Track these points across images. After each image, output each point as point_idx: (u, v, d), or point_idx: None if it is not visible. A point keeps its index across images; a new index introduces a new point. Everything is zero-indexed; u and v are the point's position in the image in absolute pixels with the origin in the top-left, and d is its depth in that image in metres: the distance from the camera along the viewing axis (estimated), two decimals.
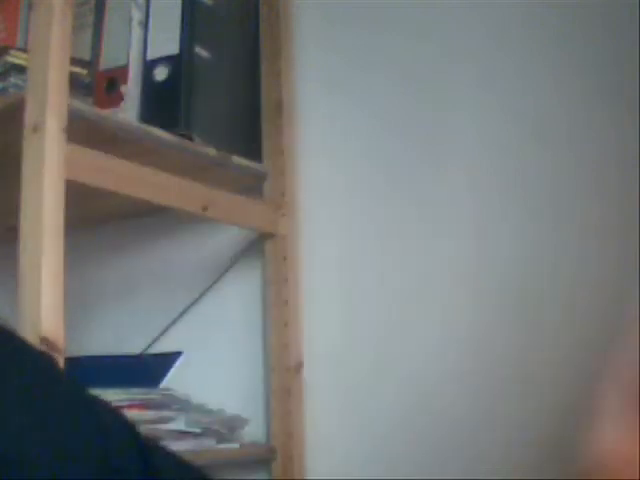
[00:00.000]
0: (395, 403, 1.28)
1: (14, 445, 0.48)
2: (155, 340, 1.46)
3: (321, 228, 1.38)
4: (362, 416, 1.31)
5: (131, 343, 1.46)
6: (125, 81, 1.27)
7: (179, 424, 1.19)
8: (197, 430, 1.21)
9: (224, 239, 1.45)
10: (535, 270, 1.20)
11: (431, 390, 1.25)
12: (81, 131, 1.03)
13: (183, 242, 1.49)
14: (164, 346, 1.44)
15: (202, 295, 1.45)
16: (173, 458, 0.56)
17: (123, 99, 1.26)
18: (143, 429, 1.13)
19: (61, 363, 0.93)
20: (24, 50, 1.09)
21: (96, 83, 1.26)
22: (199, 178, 1.24)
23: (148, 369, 1.35)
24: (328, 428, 1.33)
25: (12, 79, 1.08)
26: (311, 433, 1.33)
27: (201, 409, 1.28)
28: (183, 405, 1.25)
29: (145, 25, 1.29)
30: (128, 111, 1.25)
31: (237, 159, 1.32)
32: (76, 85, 1.13)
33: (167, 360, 1.33)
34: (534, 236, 1.20)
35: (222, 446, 1.25)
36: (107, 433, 0.55)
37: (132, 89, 1.26)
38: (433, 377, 1.25)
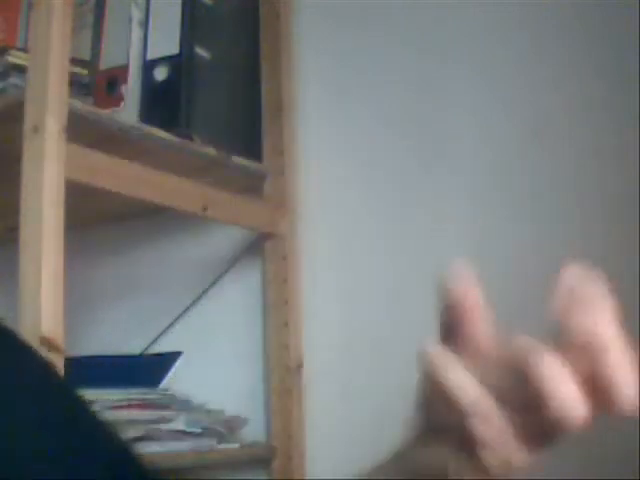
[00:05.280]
0: (395, 403, 1.28)
1: (13, 452, 0.48)
2: (155, 340, 1.46)
3: (321, 228, 1.38)
4: (362, 416, 1.31)
5: (131, 343, 1.46)
6: (125, 81, 1.27)
7: (179, 424, 1.19)
8: (197, 430, 1.21)
9: (224, 239, 1.45)
10: (535, 270, 1.20)
11: None
12: (81, 131, 1.03)
13: (183, 242, 1.49)
14: (164, 346, 1.44)
15: (202, 295, 1.45)
16: None
17: (123, 99, 1.26)
18: (143, 429, 1.13)
19: (61, 363, 0.93)
20: (24, 50, 1.09)
21: (96, 83, 1.26)
22: (199, 178, 1.24)
23: (148, 369, 1.35)
24: (328, 428, 1.33)
25: (12, 79, 1.08)
26: (311, 433, 1.33)
27: (201, 409, 1.28)
28: (183, 405, 1.25)
29: (145, 25, 1.29)
30: (128, 111, 1.25)
31: (237, 159, 1.32)
32: (76, 85, 1.13)
33: (167, 360, 1.33)
34: (534, 236, 1.20)
35: (222, 446, 1.25)
36: (113, 445, 0.55)
37: (132, 89, 1.26)
38: None
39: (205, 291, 1.45)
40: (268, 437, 1.35)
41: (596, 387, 0.37)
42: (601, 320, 0.39)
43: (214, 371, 1.41)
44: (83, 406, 0.57)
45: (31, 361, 0.56)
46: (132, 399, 1.17)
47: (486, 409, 0.38)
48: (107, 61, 1.30)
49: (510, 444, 0.38)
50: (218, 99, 1.33)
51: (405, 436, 0.42)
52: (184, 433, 1.19)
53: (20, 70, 1.08)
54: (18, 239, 0.97)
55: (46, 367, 0.58)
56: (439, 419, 0.40)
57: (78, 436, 0.53)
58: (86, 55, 1.29)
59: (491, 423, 0.38)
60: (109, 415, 1.08)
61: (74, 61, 1.09)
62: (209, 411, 1.28)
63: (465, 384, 0.39)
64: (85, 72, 1.20)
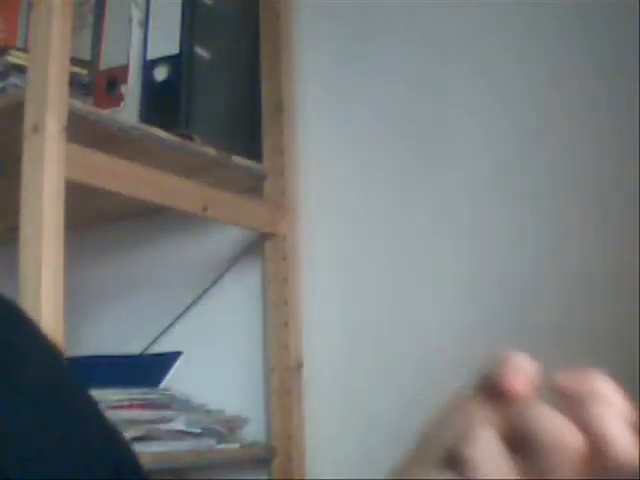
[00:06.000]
0: (395, 402, 1.28)
1: (16, 443, 0.48)
2: (155, 340, 1.46)
3: (321, 228, 1.38)
4: (362, 416, 1.31)
5: (131, 343, 1.46)
6: (125, 81, 1.27)
7: (179, 424, 1.19)
8: (197, 430, 1.21)
9: (224, 239, 1.45)
10: (535, 270, 1.20)
11: (430, 389, 1.25)
12: (81, 131, 1.03)
13: (183, 242, 1.49)
14: (164, 346, 1.44)
15: (202, 295, 1.45)
16: None
17: (123, 99, 1.26)
18: (143, 429, 1.13)
19: None
20: (24, 50, 1.09)
21: (96, 83, 1.26)
22: (199, 178, 1.24)
23: (148, 369, 1.35)
24: (328, 428, 1.33)
25: (12, 79, 1.08)
26: (311, 433, 1.33)
27: (201, 409, 1.28)
28: (183, 405, 1.25)
29: (145, 25, 1.29)
30: (128, 111, 1.25)
31: (237, 159, 1.32)
32: (76, 85, 1.13)
33: (167, 360, 1.33)
34: (534, 235, 1.20)
35: (222, 446, 1.25)
36: (114, 438, 0.55)
37: (132, 89, 1.26)
38: (432, 377, 1.25)
39: (205, 291, 1.45)
40: (268, 437, 1.35)
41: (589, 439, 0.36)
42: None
43: (214, 371, 1.41)
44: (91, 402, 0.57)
45: (39, 350, 0.56)
46: (132, 399, 1.17)
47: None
48: (107, 61, 1.30)
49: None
50: (218, 99, 1.33)
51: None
52: (184, 433, 1.19)
53: (20, 70, 1.08)
54: (18, 239, 0.97)
55: (55, 359, 0.58)
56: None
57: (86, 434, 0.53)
58: (86, 55, 1.29)
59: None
60: (109, 415, 1.08)
61: (74, 61, 1.09)
62: (209, 411, 1.28)
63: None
64: (85, 72, 1.20)
